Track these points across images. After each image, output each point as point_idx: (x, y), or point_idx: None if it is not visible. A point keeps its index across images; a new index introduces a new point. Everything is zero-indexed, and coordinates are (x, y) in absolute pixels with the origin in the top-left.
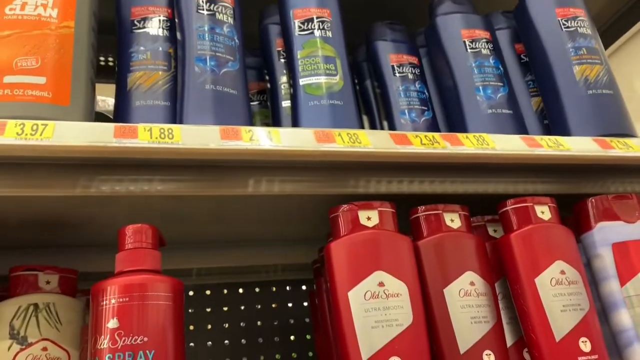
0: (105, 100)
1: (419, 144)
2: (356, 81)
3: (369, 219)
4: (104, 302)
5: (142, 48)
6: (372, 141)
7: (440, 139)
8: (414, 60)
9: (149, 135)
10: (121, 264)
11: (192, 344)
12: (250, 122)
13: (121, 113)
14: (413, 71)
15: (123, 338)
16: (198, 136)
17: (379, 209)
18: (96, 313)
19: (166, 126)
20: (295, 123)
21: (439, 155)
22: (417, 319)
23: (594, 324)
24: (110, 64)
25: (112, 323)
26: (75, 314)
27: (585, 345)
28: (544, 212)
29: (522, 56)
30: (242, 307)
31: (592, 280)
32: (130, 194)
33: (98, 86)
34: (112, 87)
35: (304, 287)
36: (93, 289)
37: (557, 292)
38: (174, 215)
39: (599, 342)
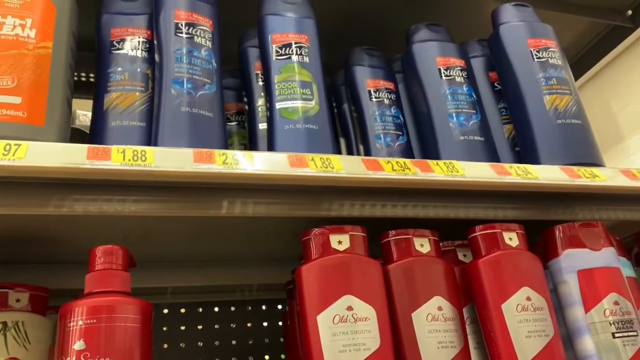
0: (87, 114)
1: (390, 170)
2: (334, 104)
3: (340, 242)
4: (71, 324)
5: (120, 69)
6: (345, 166)
7: (411, 165)
8: (391, 85)
9: (122, 157)
10: (90, 285)
11: None
12: (226, 145)
13: (97, 133)
14: (389, 96)
15: None
16: (171, 159)
17: (350, 233)
18: (63, 334)
19: (139, 148)
20: (270, 146)
21: (409, 181)
22: (385, 343)
23: (558, 350)
24: (92, 80)
25: (79, 345)
26: (45, 332)
27: None
28: (512, 238)
29: (495, 84)
30: (217, 326)
31: (559, 306)
32: (103, 213)
33: (80, 101)
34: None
35: (279, 307)
36: (61, 310)
37: (523, 318)
38: (149, 234)
39: None
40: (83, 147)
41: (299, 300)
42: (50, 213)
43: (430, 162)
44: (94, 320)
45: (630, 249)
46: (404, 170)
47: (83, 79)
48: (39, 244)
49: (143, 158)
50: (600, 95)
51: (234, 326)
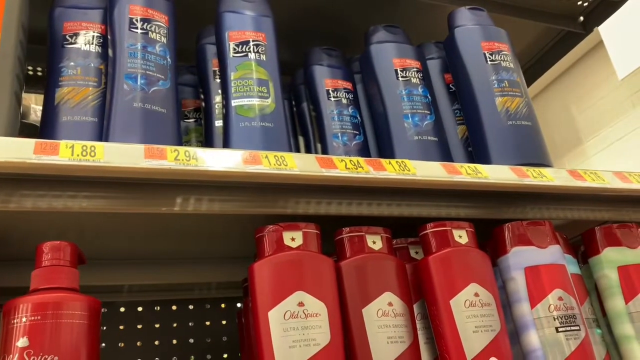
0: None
1: (344, 168)
2: (294, 103)
3: (293, 239)
4: (15, 321)
5: (72, 63)
6: (299, 164)
7: (365, 164)
8: (349, 85)
9: (70, 153)
10: (36, 281)
11: None
12: (180, 141)
13: (47, 128)
14: (347, 96)
15: (32, 357)
16: (122, 154)
17: (304, 230)
18: (6, 331)
19: (89, 143)
20: (226, 143)
21: (362, 180)
22: (335, 339)
23: (504, 344)
24: (37, 73)
25: (22, 342)
26: None
27: None
28: (461, 236)
29: (450, 86)
30: (175, 325)
31: (507, 302)
32: (52, 209)
33: (32, 96)
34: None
35: (238, 305)
36: (5, 307)
37: (471, 314)
38: (103, 231)
39: None
40: (30, 142)
41: (251, 296)
42: None
43: (383, 160)
44: (39, 317)
45: (578, 248)
46: (356, 169)
47: (39, 73)
48: None
49: (92, 153)
50: (561, 100)
51: (192, 325)
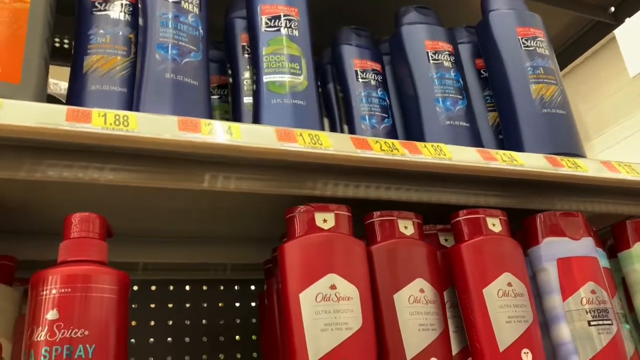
0: (58, 83)
1: (379, 150)
2: (319, 84)
3: (325, 221)
4: (44, 292)
5: (101, 31)
6: (333, 143)
7: (400, 146)
8: (377, 67)
9: (103, 121)
10: (65, 253)
11: (133, 340)
12: (211, 115)
13: (75, 96)
14: (376, 78)
15: (62, 330)
16: (155, 125)
17: (336, 212)
18: (35, 303)
19: (122, 113)
20: (256, 120)
21: (397, 162)
22: (366, 323)
23: (537, 336)
24: (66, 46)
25: (52, 314)
26: (11, 303)
27: (527, 356)
28: (494, 224)
29: (481, 71)
30: (188, 305)
31: (537, 293)
32: (78, 180)
33: (50, 68)
34: (65, 70)
35: (252, 287)
36: (33, 278)
37: (504, 304)
38: (123, 206)
39: (539, 354)
40: (62, 108)
41: (280, 277)
42: (23, 178)
43: (418, 144)
44: (69, 290)
45: (605, 241)
46: (392, 151)
47: (56, 44)
48: (7, 211)
49: (125, 123)
50: (570, 94)
51: (205, 305)
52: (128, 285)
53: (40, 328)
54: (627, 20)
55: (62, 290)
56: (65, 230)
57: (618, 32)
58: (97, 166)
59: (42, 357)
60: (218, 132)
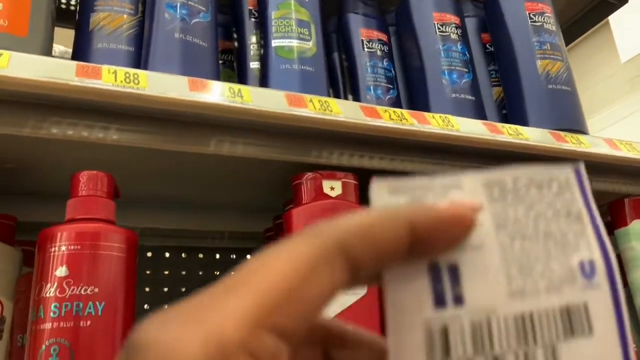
0: (56, 47)
1: (388, 119)
2: None
3: (332, 189)
4: (53, 249)
5: None
6: (343, 111)
7: (409, 116)
8: (384, 37)
9: (113, 78)
10: (73, 211)
11: None
12: (219, 78)
13: (81, 54)
14: (382, 48)
15: (72, 287)
16: (165, 84)
17: (343, 180)
18: (43, 260)
19: (132, 70)
20: (263, 85)
21: (406, 132)
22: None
23: None
24: (63, 6)
25: (61, 271)
26: (11, 263)
27: None
28: None
29: (487, 46)
30: (184, 273)
31: None
32: (83, 140)
33: None
34: (65, 32)
35: (248, 257)
36: (41, 235)
37: None
38: (124, 169)
39: None
40: (71, 64)
41: None
42: (27, 134)
43: (427, 114)
44: (79, 247)
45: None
46: (401, 120)
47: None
48: (6, 171)
49: (136, 81)
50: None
51: (201, 274)
52: (137, 245)
53: (50, 284)
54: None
55: (72, 248)
56: (72, 188)
57: (612, 17)
58: (102, 125)
59: (51, 313)
60: (229, 95)
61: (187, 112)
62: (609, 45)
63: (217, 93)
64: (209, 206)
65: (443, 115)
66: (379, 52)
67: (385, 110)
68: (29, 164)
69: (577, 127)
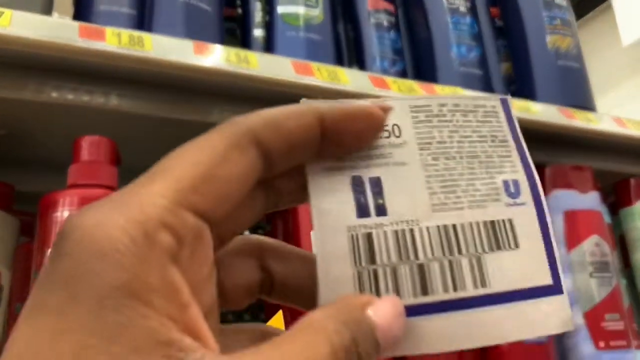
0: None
1: (397, 90)
2: None
3: None
4: (56, 214)
5: None
6: (351, 80)
7: (417, 88)
8: (391, 8)
9: (117, 40)
10: (76, 176)
11: None
12: (223, 43)
13: (82, 15)
14: (389, 19)
15: None
16: (169, 48)
17: None
18: (46, 225)
19: (136, 33)
20: (268, 53)
21: None
22: None
23: None
24: None
25: None
26: (9, 231)
27: None
28: None
29: (496, 20)
30: None
31: None
32: (84, 105)
33: None
34: None
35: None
36: (43, 200)
37: None
38: (123, 139)
39: None
40: (74, 24)
41: (291, 217)
42: (28, 98)
43: (436, 86)
44: None
45: (605, 198)
46: (410, 92)
47: None
48: (1, 138)
49: (140, 44)
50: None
51: None
52: None
53: None
54: None
55: None
56: (74, 153)
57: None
58: (103, 91)
59: None
60: (234, 60)
61: (191, 77)
62: (610, 28)
63: (223, 58)
64: None
65: (452, 88)
66: (385, 23)
67: (394, 81)
68: (22, 131)
69: (585, 104)
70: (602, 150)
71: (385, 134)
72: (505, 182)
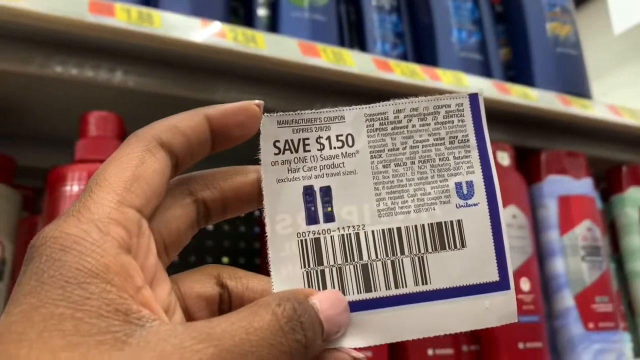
0: None
1: (400, 73)
2: None
3: None
4: (65, 188)
5: None
6: (356, 63)
7: (420, 72)
8: None
9: (126, 16)
10: (84, 151)
11: None
12: (229, 22)
13: None
14: (390, 2)
15: None
16: (178, 25)
17: None
18: (53, 199)
19: (144, 10)
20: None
21: (417, 87)
22: None
23: (535, 267)
24: None
25: None
26: (12, 204)
27: (525, 285)
28: (504, 157)
29: (496, 6)
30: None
31: (535, 228)
32: (88, 81)
33: None
34: None
35: (256, 212)
36: (52, 174)
37: (508, 235)
38: (128, 116)
39: (536, 284)
40: (84, 0)
41: None
42: (32, 72)
43: (438, 70)
44: None
45: (598, 185)
46: (413, 75)
47: None
48: (6, 113)
49: (149, 20)
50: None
51: (211, 228)
52: None
53: None
54: None
55: (84, 187)
56: (82, 128)
57: None
58: (109, 67)
59: None
60: (242, 40)
61: (197, 55)
62: (602, 17)
63: (231, 37)
64: (214, 161)
65: (454, 72)
66: (387, 6)
67: (398, 65)
68: (23, 105)
69: (582, 91)
70: (596, 137)
71: (339, 144)
72: (458, 184)
